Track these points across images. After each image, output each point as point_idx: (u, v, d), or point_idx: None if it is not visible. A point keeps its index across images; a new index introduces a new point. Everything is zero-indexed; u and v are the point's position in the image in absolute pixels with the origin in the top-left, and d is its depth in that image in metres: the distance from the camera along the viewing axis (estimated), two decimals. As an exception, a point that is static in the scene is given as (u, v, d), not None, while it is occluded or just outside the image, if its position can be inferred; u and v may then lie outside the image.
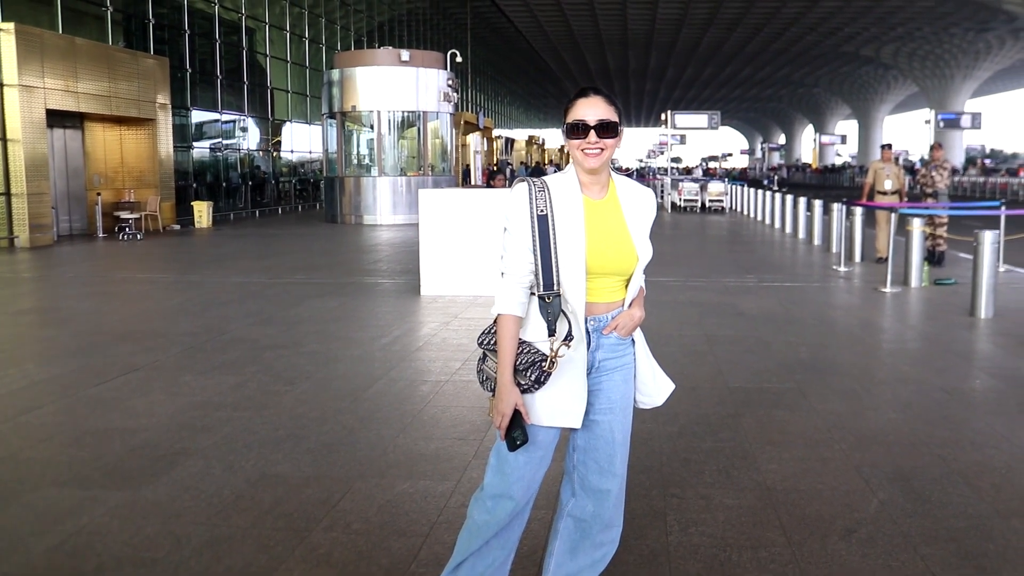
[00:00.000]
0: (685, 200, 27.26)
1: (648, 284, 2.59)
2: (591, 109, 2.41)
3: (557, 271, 2.40)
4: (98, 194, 18.44)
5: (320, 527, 3.54)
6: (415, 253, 11.47)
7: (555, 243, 2.40)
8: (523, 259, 2.42)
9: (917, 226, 9.95)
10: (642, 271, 2.61)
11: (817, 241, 15.54)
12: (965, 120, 43.49)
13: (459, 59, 25.98)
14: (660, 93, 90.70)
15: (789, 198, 18.44)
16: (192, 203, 21.41)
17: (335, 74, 22.61)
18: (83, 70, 17.19)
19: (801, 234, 16.88)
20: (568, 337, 2.40)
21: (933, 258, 11.97)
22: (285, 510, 3.72)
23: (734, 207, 27.56)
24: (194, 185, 23.00)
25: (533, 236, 2.40)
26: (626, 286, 2.53)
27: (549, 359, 2.38)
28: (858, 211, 12.68)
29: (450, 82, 23.09)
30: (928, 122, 40.69)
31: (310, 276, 11.55)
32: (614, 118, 2.42)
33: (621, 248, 2.45)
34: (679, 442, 4.56)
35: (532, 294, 2.45)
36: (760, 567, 3.16)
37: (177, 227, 20.44)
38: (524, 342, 2.45)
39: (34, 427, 4.90)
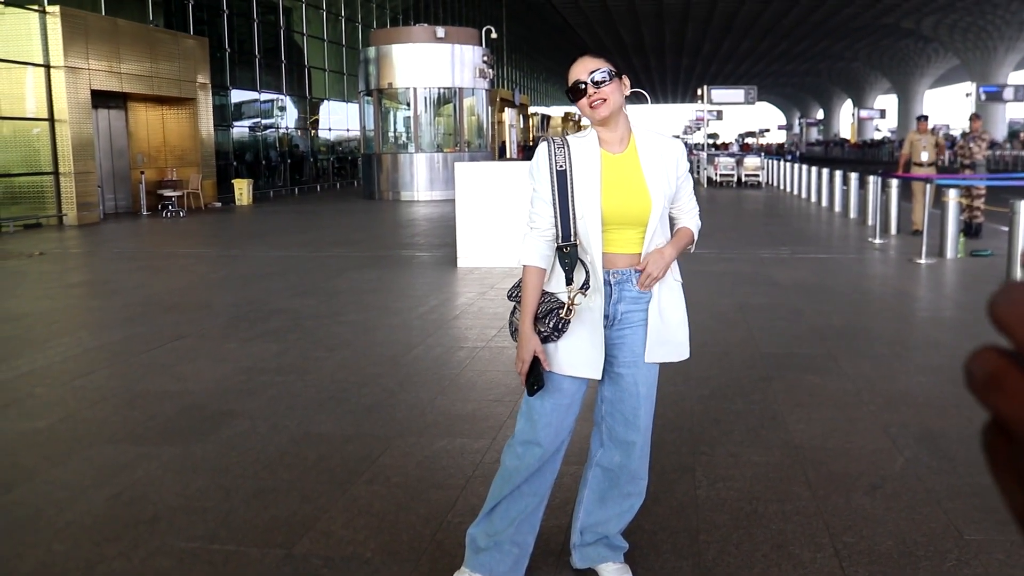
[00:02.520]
0: (721, 175, 27.08)
1: (683, 255, 2.69)
2: (582, 68, 2.56)
3: (574, 222, 2.53)
4: (142, 173, 18.81)
5: (361, 480, 3.70)
6: (452, 227, 11.61)
7: (573, 196, 2.53)
8: (546, 213, 2.57)
9: (953, 197, 9.88)
10: (690, 216, 2.71)
11: (853, 214, 15.43)
12: (1008, 93, 42.52)
13: (494, 35, 25.98)
14: (696, 68, 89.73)
15: (825, 172, 18.29)
16: (233, 181, 21.75)
17: (371, 52, 22.75)
18: (126, 51, 17.51)
19: (837, 207, 16.75)
20: (584, 285, 2.53)
21: (970, 230, 11.87)
22: (328, 465, 3.88)
23: (770, 182, 27.35)
24: (234, 164, 23.34)
25: (553, 190, 2.55)
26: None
27: (566, 306, 2.52)
28: (894, 183, 12.58)
29: (485, 58, 23.13)
30: (969, 95, 39.88)
31: (349, 250, 11.75)
32: (605, 66, 2.55)
33: (636, 198, 2.56)
34: (710, 403, 4.67)
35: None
36: (785, 518, 3.26)
37: (218, 205, 20.78)
38: (547, 293, 2.58)
39: (89, 390, 5.13)
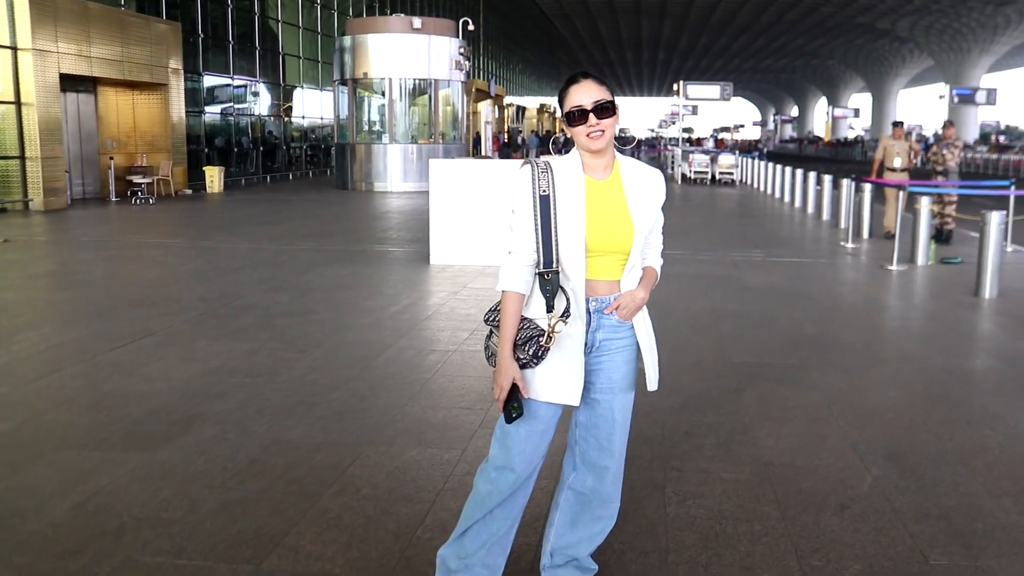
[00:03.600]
0: (695, 172, 27.20)
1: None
2: (586, 93, 2.49)
3: (557, 249, 2.49)
4: (111, 158, 18.55)
5: (330, 492, 3.67)
6: (425, 221, 11.56)
7: (555, 222, 2.49)
8: (528, 238, 2.52)
9: (925, 205, 9.97)
10: (656, 253, 2.72)
11: (826, 216, 15.55)
12: (980, 96, 43.09)
13: (471, 27, 25.85)
14: (673, 63, 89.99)
15: (799, 172, 18.43)
16: (204, 168, 21.50)
17: (347, 41, 22.57)
18: (96, 34, 17.22)
19: (810, 209, 16.89)
20: (565, 314, 2.50)
21: (941, 236, 12.00)
22: (297, 475, 3.84)
23: (744, 180, 27.50)
24: (206, 150, 23.07)
25: (535, 215, 2.50)
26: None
27: (546, 334, 2.49)
28: (867, 187, 12.68)
29: (462, 50, 23.02)
30: (943, 97, 40.28)
31: (321, 243, 11.66)
32: (609, 97, 2.50)
33: (620, 226, 2.53)
34: (681, 416, 4.67)
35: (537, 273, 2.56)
36: (754, 539, 3.28)
37: (189, 192, 20.54)
38: (525, 319, 2.55)
39: (54, 390, 5.04)
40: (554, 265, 2.50)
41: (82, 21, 16.85)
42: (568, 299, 2.51)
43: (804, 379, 5.39)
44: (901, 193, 10.85)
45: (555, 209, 2.50)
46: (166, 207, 17.29)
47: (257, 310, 7.28)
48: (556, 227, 2.50)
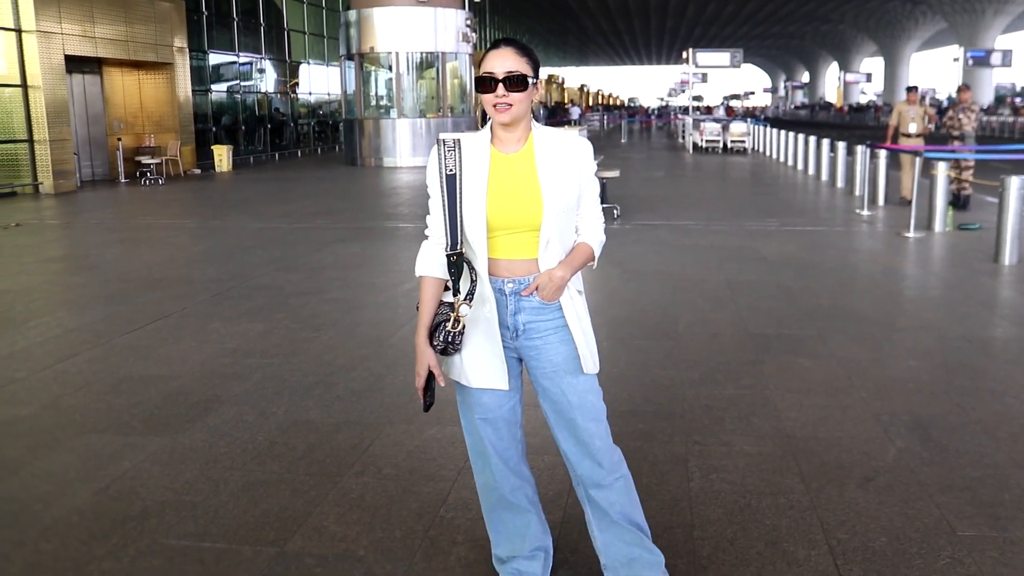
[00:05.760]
0: (707, 141, 26.98)
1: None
2: (499, 61, 2.35)
3: (462, 230, 2.40)
4: (119, 139, 18.53)
5: (352, 472, 3.67)
6: (436, 198, 11.50)
7: (461, 202, 2.39)
8: (438, 220, 2.45)
9: (942, 170, 9.84)
10: (592, 228, 2.52)
11: (840, 183, 15.40)
12: (995, 57, 42.48)
13: (477, -2, 25.62)
14: (680, 31, 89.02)
15: (812, 139, 18.24)
16: (212, 147, 21.45)
17: (352, 15, 22.40)
18: (100, 15, 17.15)
19: (824, 176, 16.72)
20: (468, 297, 2.39)
21: (958, 202, 11.87)
22: (317, 456, 3.84)
23: (756, 148, 27.27)
24: (213, 129, 23.01)
25: (442, 196, 2.41)
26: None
27: (452, 319, 2.40)
28: (882, 154, 12.53)
29: (468, 22, 22.83)
30: (957, 60, 39.69)
31: (332, 221, 11.63)
32: (523, 70, 2.35)
33: (527, 201, 2.39)
34: (701, 389, 4.64)
35: None
36: (779, 513, 3.25)
37: (198, 171, 20.52)
38: (444, 303, 2.48)
39: (72, 375, 5.05)
40: (458, 247, 2.40)
41: (85, 1, 16.76)
42: (473, 281, 2.41)
43: (823, 350, 5.35)
44: (917, 159, 10.72)
45: (461, 189, 2.40)
46: (175, 187, 17.27)
47: (271, 290, 7.26)
48: (461, 207, 2.39)
